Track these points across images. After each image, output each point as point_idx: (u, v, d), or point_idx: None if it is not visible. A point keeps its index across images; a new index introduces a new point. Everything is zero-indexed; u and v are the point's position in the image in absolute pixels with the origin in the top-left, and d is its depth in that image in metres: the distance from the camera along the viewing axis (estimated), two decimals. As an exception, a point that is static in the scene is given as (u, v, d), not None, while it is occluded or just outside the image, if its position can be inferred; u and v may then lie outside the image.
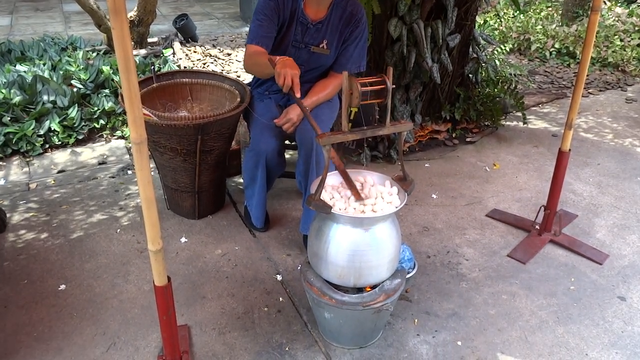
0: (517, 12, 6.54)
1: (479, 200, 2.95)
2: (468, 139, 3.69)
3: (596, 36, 5.49)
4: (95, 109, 3.63)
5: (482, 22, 6.39)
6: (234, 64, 5.31)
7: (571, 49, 5.76)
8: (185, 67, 4.93)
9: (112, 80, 3.84)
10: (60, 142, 3.43)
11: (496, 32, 6.24)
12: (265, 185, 2.43)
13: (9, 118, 3.33)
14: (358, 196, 1.78)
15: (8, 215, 2.68)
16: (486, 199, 2.96)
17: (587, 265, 2.41)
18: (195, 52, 5.61)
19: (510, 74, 4.65)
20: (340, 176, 1.88)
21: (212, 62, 5.32)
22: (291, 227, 2.65)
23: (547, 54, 5.83)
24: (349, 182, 1.83)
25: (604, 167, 3.37)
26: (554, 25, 6.32)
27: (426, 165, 3.35)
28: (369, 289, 1.82)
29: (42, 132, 3.37)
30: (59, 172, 3.16)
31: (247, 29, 6.82)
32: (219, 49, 5.82)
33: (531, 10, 7.23)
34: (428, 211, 2.83)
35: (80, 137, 3.50)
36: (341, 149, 3.05)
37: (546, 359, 1.91)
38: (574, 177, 3.21)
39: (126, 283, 2.23)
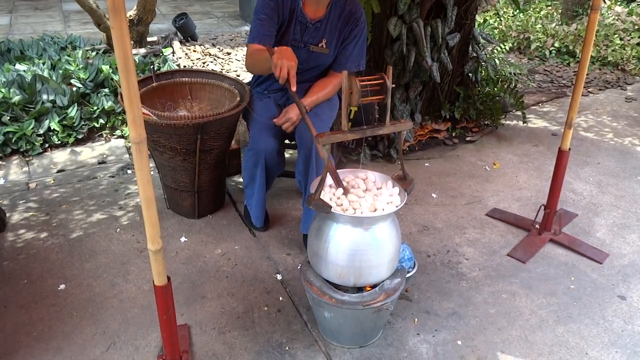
0: (517, 11, 6.54)
1: (479, 200, 2.95)
2: (468, 138, 3.69)
3: (596, 35, 5.48)
4: (95, 108, 3.63)
5: (481, 21, 6.39)
6: (234, 63, 5.31)
7: (571, 47, 5.76)
8: (184, 67, 4.93)
9: (112, 79, 3.84)
10: (59, 142, 3.42)
11: (496, 31, 6.24)
12: (264, 185, 2.43)
13: (8, 117, 3.33)
14: (341, 185, 1.79)
15: (8, 214, 2.68)
16: (486, 198, 2.96)
17: (587, 264, 2.41)
18: (194, 51, 5.60)
19: (510, 73, 4.65)
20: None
21: (211, 61, 5.32)
22: (291, 226, 2.65)
23: (547, 52, 5.83)
24: (337, 182, 1.83)
25: (604, 166, 3.37)
26: (553, 24, 6.32)
27: (426, 164, 3.35)
28: (369, 289, 1.82)
29: (41, 131, 3.37)
30: (59, 171, 3.16)
31: (246, 28, 6.83)
32: (219, 48, 5.82)
33: (531, 9, 7.22)
34: (428, 210, 2.83)
35: (80, 136, 3.50)
36: (341, 149, 3.05)
37: (546, 358, 1.91)
38: (574, 176, 3.21)
39: (126, 282, 2.23)
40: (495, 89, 3.82)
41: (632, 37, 5.78)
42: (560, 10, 7.10)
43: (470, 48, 3.65)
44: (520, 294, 2.23)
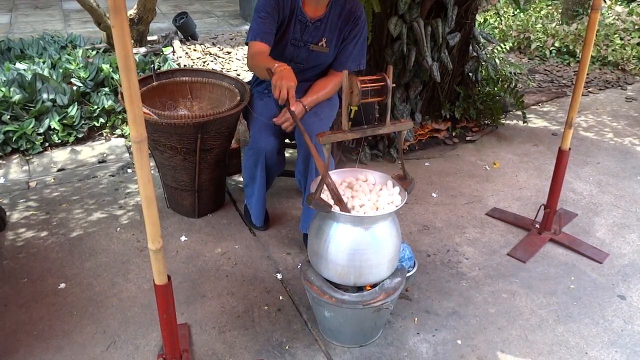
0: (517, 10, 6.54)
1: (479, 199, 2.95)
2: (468, 138, 3.69)
3: (596, 35, 5.48)
4: (95, 107, 3.63)
5: (482, 20, 6.39)
6: (234, 62, 5.30)
7: (571, 47, 5.76)
8: (185, 66, 4.92)
9: (112, 78, 3.83)
10: (60, 141, 3.42)
11: (496, 31, 6.24)
12: (264, 184, 2.43)
13: (8, 116, 3.33)
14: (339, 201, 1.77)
15: (8, 213, 2.68)
16: (486, 198, 2.96)
17: (587, 264, 2.42)
18: (195, 50, 5.60)
19: (510, 73, 4.65)
20: (338, 175, 1.88)
21: (212, 61, 5.32)
22: (291, 225, 2.65)
23: (547, 52, 5.82)
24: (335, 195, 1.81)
25: (604, 165, 3.37)
26: (554, 24, 6.32)
27: (426, 164, 3.35)
28: (369, 288, 1.82)
29: (41, 130, 3.37)
30: (59, 170, 3.16)
31: (246, 27, 6.82)
32: (219, 47, 5.81)
33: (531, 9, 7.22)
34: (428, 210, 2.83)
35: (80, 135, 3.50)
36: (341, 148, 3.05)
37: (546, 358, 1.91)
38: (574, 175, 3.21)
39: (126, 282, 2.23)
40: (496, 88, 3.82)
41: (632, 37, 5.78)
42: (560, 10, 7.10)
43: (470, 48, 3.65)
44: (520, 293, 2.23)
